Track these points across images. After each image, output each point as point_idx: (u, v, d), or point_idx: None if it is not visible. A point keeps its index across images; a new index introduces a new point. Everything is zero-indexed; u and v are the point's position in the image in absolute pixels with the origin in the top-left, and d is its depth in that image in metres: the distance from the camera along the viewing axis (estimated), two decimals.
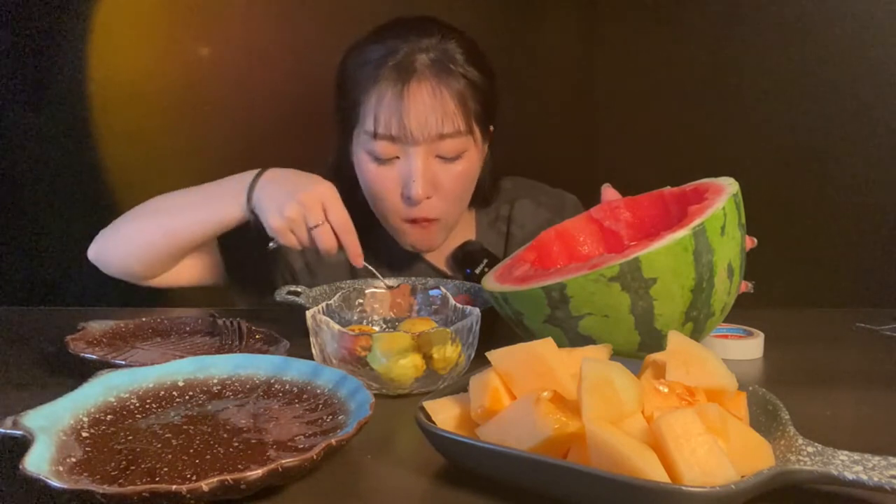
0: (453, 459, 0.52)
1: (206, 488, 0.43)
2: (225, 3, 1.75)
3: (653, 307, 0.67)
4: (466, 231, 1.14)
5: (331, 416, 0.57)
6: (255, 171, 0.95)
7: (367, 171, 1.00)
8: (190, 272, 1.08)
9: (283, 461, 0.46)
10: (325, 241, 0.89)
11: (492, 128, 1.06)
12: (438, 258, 1.12)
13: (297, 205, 0.88)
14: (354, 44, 1.02)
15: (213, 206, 0.96)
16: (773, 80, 1.67)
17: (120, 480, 0.47)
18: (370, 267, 0.93)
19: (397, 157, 0.97)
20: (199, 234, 0.98)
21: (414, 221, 1.00)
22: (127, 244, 1.01)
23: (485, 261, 1.02)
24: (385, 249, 1.08)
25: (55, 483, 0.44)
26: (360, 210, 1.03)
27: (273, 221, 0.89)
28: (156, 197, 1.02)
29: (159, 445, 0.52)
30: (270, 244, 0.93)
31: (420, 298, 0.89)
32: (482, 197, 1.12)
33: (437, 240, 1.05)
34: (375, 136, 0.96)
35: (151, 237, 0.99)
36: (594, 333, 0.69)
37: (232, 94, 1.75)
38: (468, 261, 1.04)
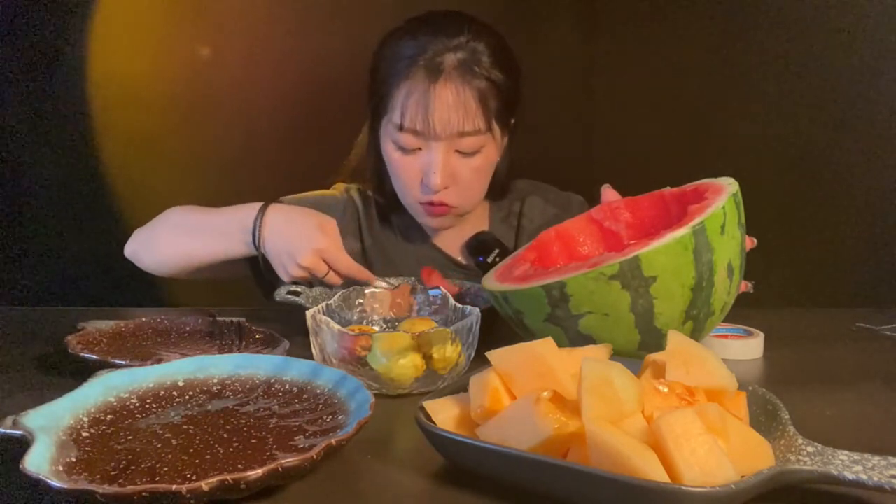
0: (453, 459, 0.51)
1: (206, 488, 0.43)
2: (226, 4, 1.75)
3: (653, 306, 0.67)
4: (480, 225, 1.19)
5: (331, 416, 0.57)
6: (256, 213, 0.96)
7: (393, 158, 1.06)
8: (224, 268, 1.10)
9: (283, 461, 0.46)
10: (336, 283, 0.95)
11: (513, 120, 1.11)
12: (452, 247, 1.16)
13: (301, 269, 0.92)
14: (390, 34, 1.07)
15: (223, 240, 0.99)
16: (773, 81, 1.67)
17: (120, 480, 0.47)
18: (386, 281, 0.97)
19: (420, 149, 1.03)
20: (216, 260, 1.01)
21: (430, 204, 1.06)
22: (157, 254, 1.05)
23: (496, 250, 1.06)
24: (402, 235, 1.16)
25: (55, 483, 0.44)
26: (387, 195, 1.13)
27: (284, 278, 0.95)
28: (182, 208, 1.05)
29: (159, 445, 0.52)
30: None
31: (420, 298, 0.89)
32: (498, 189, 1.17)
33: (450, 223, 1.11)
34: (401, 128, 1.02)
35: (176, 253, 1.03)
36: (594, 332, 0.69)
37: (234, 95, 1.75)
38: (481, 249, 1.08)
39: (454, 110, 0.99)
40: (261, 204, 0.97)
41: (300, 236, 0.94)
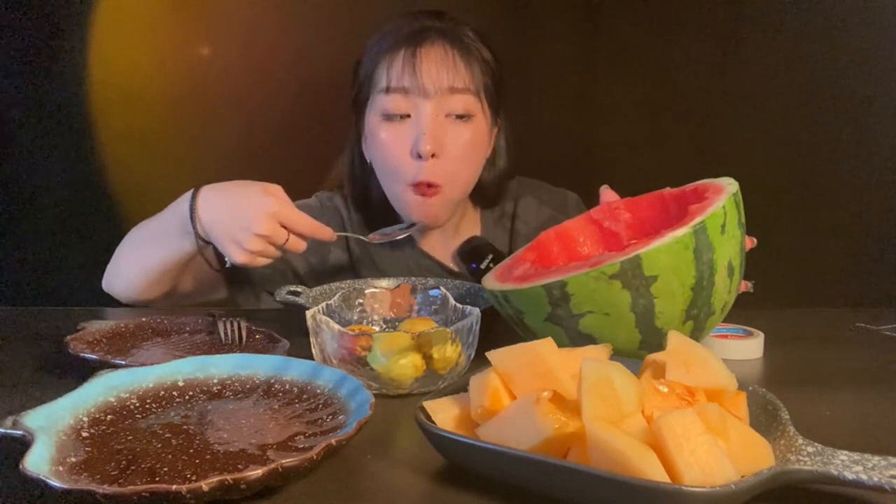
0: (453, 459, 0.52)
1: (206, 488, 0.43)
2: (226, 3, 1.75)
3: (653, 305, 0.67)
4: (472, 229, 1.16)
5: (331, 416, 0.57)
6: (188, 200, 0.90)
7: (379, 134, 1.01)
8: (197, 288, 1.08)
9: (283, 461, 0.46)
10: (297, 247, 0.90)
11: (499, 119, 1.09)
12: (445, 255, 1.13)
13: (257, 238, 0.86)
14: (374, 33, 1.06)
15: (168, 242, 0.94)
16: (772, 81, 1.67)
17: (120, 480, 0.47)
18: (345, 234, 1.00)
19: (408, 116, 0.99)
20: (170, 263, 0.97)
21: (418, 186, 1.00)
22: (122, 277, 1.02)
23: (490, 255, 1.04)
24: (390, 243, 1.11)
25: (55, 483, 0.43)
26: (372, 207, 1.09)
27: (239, 258, 0.88)
28: (139, 224, 1.02)
29: (159, 445, 0.52)
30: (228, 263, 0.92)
31: (420, 298, 0.89)
32: (491, 197, 1.14)
33: (441, 214, 1.05)
34: (388, 90, 0.99)
35: (135, 270, 1.00)
36: (595, 331, 0.69)
37: (234, 94, 1.75)
38: (474, 255, 1.06)
39: (442, 65, 0.97)
40: (192, 189, 0.90)
41: (247, 206, 0.87)
